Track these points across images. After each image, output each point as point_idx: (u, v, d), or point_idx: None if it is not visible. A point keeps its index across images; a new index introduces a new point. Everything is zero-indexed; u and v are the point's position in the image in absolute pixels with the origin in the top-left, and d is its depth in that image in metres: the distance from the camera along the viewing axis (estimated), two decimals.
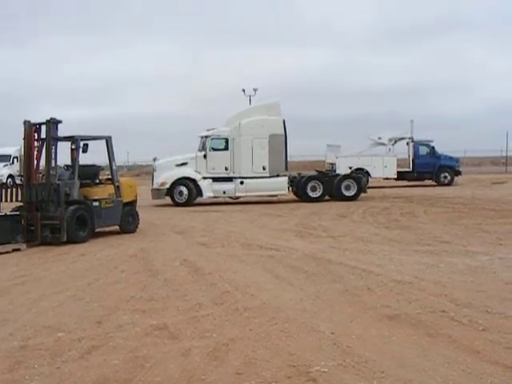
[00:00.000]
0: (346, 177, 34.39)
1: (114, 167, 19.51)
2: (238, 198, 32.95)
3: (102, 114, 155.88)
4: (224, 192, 32.44)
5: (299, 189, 33.35)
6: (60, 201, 17.30)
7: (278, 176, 33.10)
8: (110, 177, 19.73)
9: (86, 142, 18.24)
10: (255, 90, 78.07)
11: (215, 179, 32.22)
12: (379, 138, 45.27)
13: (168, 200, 31.54)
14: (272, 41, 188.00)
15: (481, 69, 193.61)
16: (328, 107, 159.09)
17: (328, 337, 7.73)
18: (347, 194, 33.13)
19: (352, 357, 6.94)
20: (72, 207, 17.46)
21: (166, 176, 31.94)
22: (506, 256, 13.44)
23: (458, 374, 6.38)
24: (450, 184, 43.93)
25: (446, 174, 44.47)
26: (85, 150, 18.21)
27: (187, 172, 32.26)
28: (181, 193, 31.80)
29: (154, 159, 33.71)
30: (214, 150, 32.57)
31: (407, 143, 44.23)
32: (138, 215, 20.26)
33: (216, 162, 32.38)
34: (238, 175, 32.54)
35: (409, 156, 43.12)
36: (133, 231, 19.73)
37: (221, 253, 15.03)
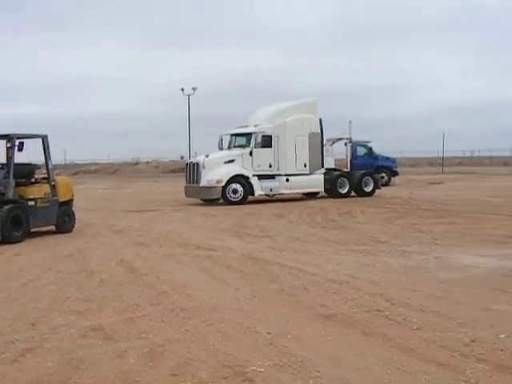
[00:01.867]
0: (365, 174, 36.04)
1: (50, 166, 19.26)
2: (274, 195, 33.12)
3: (47, 113, 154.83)
4: (271, 189, 32.51)
5: (331, 186, 34.18)
6: None
7: (316, 173, 33.85)
8: (46, 176, 19.47)
9: (21, 140, 17.96)
10: (194, 89, 78.45)
11: (260, 177, 31.97)
12: None
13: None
14: (222, 41, 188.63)
15: (420, 72, 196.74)
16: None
17: (264, 337, 7.76)
18: (366, 190, 35.22)
19: (288, 356, 6.98)
20: (7, 207, 17.19)
21: (220, 173, 31.04)
22: (441, 255, 13.63)
23: (393, 372, 6.46)
24: (387, 184, 44.39)
25: (383, 175, 44.90)
26: (20, 149, 17.91)
27: (240, 169, 31.69)
28: (235, 191, 31.02)
29: (182, 157, 34.11)
30: (260, 147, 32.20)
31: (345, 144, 44.47)
32: (74, 215, 20.06)
33: (261, 159, 32.15)
34: (282, 172, 32.63)
35: (347, 156, 43.33)
36: (69, 231, 19.54)
37: (158, 253, 15.00)
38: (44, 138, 19.24)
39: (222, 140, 34.24)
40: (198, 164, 31.62)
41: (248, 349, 7.30)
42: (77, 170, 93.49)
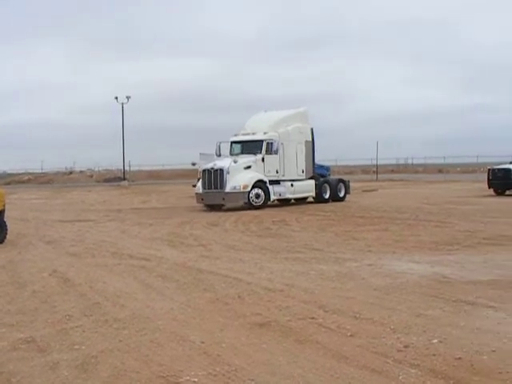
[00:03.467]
0: (339, 180, 38.13)
1: None
2: (273, 201, 33.95)
3: None
4: (280, 194, 33.55)
5: (319, 191, 36.00)
6: None
7: (309, 179, 35.78)
8: None
9: None
10: (128, 97, 78.53)
11: (270, 182, 32.81)
12: None
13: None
14: (158, 50, 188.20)
15: (356, 81, 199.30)
16: (210, 116, 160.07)
17: (198, 346, 7.73)
18: (340, 195, 37.17)
19: (222, 365, 6.95)
20: None
21: (244, 178, 31.81)
22: (375, 262, 13.75)
23: (327, 379, 6.47)
24: None
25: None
26: None
27: (260, 175, 32.53)
28: (257, 195, 31.89)
29: (193, 164, 34.08)
30: (270, 153, 33.20)
31: None
32: (6, 225, 19.71)
33: (270, 165, 33.22)
34: (287, 178, 34.00)
35: None
36: (1, 242, 19.18)
37: (91, 263, 14.84)
38: None
39: (219, 147, 34.97)
40: (222, 170, 31.68)
41: (182, 358, 7.25)
42: (9, 180, 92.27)
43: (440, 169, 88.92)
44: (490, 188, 38.79)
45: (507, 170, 37.96)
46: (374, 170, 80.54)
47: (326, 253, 15.47)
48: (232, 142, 34.92)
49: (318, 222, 23.90)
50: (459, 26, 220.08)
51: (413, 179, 68.85)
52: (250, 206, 31.43)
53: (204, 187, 32.29)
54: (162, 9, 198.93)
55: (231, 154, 34.28)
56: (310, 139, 36.17)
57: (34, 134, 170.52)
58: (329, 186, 36.66)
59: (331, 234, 19.77)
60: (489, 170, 40.00)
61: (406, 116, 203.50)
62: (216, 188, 31.71)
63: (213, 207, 32.37)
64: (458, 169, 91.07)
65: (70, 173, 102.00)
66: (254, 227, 22.66)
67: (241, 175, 31.83)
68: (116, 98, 79.94)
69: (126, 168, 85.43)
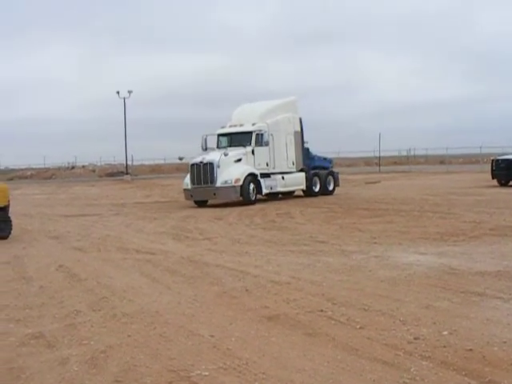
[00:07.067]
0: (328, 173, 37.18)
1: None
2: (266, 195, 32.73)
3: None
4: (271, 188, 32.31)
5: (310, 184, 35.03)
6: None
7: (300, 171, 34.74)
8: None
9: None
10: (130, 92, 78.30)
11: (261, 175, 31.66)
12: None
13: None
14: (170, 46, 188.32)
15: (358, 73, 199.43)
16: (220, 110, 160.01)
17: (207, 340, 7.71)
18: (329, 188, 36.53)
19: (232, 359, 6.93)
20: None
21: (236, 172, 30.45)
22: (381, 254, 13.72)
23: (338, 372, 6.45)
24: None
25: None
26: None
27: (251, 168, 31.29)
28: (253, 189, 30.88)
29: (181, 158, 33.09)
30: (259, 145, 31.91)
31: None
32: (10, 221, 19.70)
33: (260, 157, 31.95)
34: (277, 171, 32.77)
35: None
36: (6, 237, 19.17)
37: (97, 258, 14.84)
38: None
39: (205, 140, 33.72)
40: (212, 163, 30.32)
41: (192, 352, 7.23)
42: (12, 176, 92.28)
43: (442, 160, 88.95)
44: (493, 179, 38.74)
45: (511, 161, 37.88)
46: (377, 162, 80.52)
47: (331, 245, 15.43)
48: (219, 135, 33.70)
49: (323, 214, 23.86)
50: (460, 18, 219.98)
51: (415, 170, 68.80)
52: (245, 201, 30.25)
53: (193, 182, 30.83)
54: (170, 4, 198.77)
55: (218, 147, 33.12)
56: (299, 129, 35.13)
57: (35, 130, 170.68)
58: (318, 179, 35.83)
59: (336, 226, 19.74)
60: (492, 160, 39.91)
61: (409, 107, 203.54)
62: (206, 183, 30.36)
63: (200, 203, 31.14)
64: (461, 160, 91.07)
65: (73, 168, 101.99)
66: (258, 220, 22.63)
67: (232, 168, 30.53)
68: (117, 92, 79.82)
69: (129, 162, 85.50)
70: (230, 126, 33.54)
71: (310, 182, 34.93)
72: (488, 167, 41.74)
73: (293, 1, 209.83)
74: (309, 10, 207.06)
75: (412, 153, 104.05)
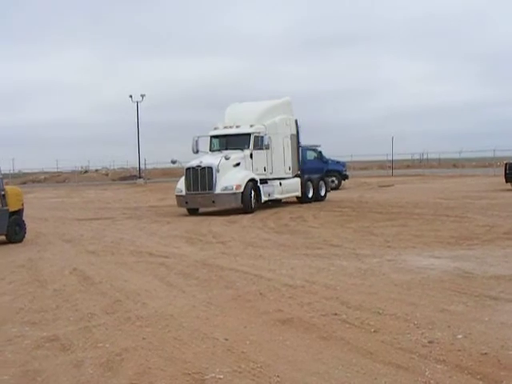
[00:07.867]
0: (320, 178, 34.83)
1: None
2: (265, 202, 29.58)
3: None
4: (269, 194, 29.52)
5: (304, 190, 32.77)
6: None
7: (295, 177, 32.39)
8: None
9: None
10: (142, 96, 78.14)
11: (259, 181, 28.94)
12: None
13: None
14: (182, 50, 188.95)
15: (372, 78, 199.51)
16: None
17: (222, 343, 7.72)
18: (321, 194, 34.32)
19: (247, 362, 6.94)
20: None
21: (236, 178, 27.65)
22: (395, 258, 13.71)
23: (353, 375, 6.45)
24: (337, 188, 44.59)
25: (334, 179, 44.98)
26: None
27: (251, 173, 28.55)
28: (253, 197, 28.08)
29: (173, 162, 30.25)
30: (258, 148, 29.30)
31: None
32: (24, 224, 19.79)
33: (258, 161, 29.32)
34: (274, 176, 30.23)
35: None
36: (20, 241, 19.26)
37: (110, 261, 14.87)
38: None
39: (196, 142, 30.83)
40: (211, 168, 27.51)
41: (206, 356, 7.24)
42: (25, 180, 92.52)
43: (454, 163, 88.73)
44: (507, 182, 38.63)
45: None
46: (390, 166, 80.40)
47: (345, 249, 15.42)
48: (212, 137, 30.82)
49: (336, 218, 23.82)
50: (473, 23, 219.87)
51: (428, 174, 68.64)
52: (244, 209, 27.57)
53: (188, 188, 27.98)
54: (183, 8, 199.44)
55: (211, 149, 30.43)
56: (296, 132, 32.57)
57: (49, 134, 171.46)
58: (311, 184, 33.31)
59: (350, 229, 19.72)
60: (506, 164, 39.76)
61: (422, 111, 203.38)
62: (204, 189, 27.55)
63: (193, 211, 28.67)
64: (474, 163, 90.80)
65: (86, 171, 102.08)
66: (271, 224, 22.62)
67: (231, 174, 27.74)
68: (130, 96, 79.77)
69: (142, 166, 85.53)
70: (225, 127, 30.78)
71: (304, 187, 32.55)
72: (501, 171, 41.58)
73: (306, 6, 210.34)
74: (321, 14, 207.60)
75: (425, 156, 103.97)
